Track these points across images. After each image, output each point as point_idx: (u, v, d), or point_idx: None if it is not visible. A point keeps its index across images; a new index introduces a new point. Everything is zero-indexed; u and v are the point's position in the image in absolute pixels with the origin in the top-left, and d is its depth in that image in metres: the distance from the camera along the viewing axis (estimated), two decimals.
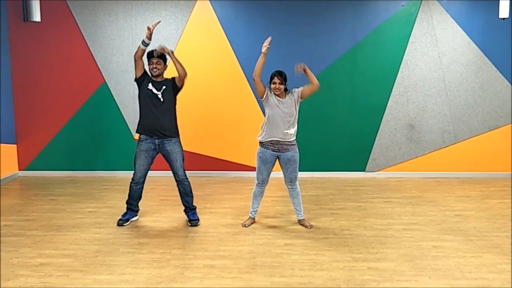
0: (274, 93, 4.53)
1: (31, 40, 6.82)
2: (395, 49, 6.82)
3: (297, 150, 4.64)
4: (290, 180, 4.69)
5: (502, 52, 6.77)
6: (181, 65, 4.59)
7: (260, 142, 4.63)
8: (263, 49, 4.43)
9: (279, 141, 4.53)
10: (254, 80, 4.50)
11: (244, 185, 6.48)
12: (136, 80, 4.73)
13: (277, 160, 4.64)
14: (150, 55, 4.63)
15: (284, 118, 4.49)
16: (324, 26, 6.77)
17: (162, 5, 6.76)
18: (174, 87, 4.69)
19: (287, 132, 4.51)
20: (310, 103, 6.66)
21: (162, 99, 4.62)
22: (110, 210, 5.29)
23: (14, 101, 6.94)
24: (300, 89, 4.63)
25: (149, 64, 4.64)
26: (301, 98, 4.61)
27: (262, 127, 4.63)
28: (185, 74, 4.62)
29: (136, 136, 4.88)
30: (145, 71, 4.73)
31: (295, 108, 4.56)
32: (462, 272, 3.68)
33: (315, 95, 6.75)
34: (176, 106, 4.80)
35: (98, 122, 7.01)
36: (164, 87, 4.65)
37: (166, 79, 4.73)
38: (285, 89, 4.58)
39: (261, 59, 4.47)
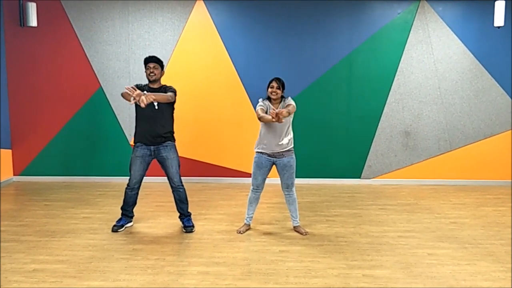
0: (272, 98, 4.52)
1: (27, 45, 6.82)
2: (391, 56, 6.85)
3: (294, 156, 4.63)
4: (287, 186, 4.68)
5: (497, 60, 6.81)
6: (163, 97, 4.44)
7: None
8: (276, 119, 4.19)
9: (274, 150, 4.54)
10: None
11: (239, 191, 6.47)
12: None
13: (274, 166, 4.64)
14: (147, 60, 4.62)
15: (276, 125, 4.47)
16: (321, 33, 6.80)
17: (159, 11, 6.78)
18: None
19: (281, 143, 4.51)
20: (306, 109, 6.69)
21: (157, 107, 4.58)
22: (104, 216, 5.27)
23: (9, 106, 6.93)
24: (293, 105, 4.51)
25: (146, 69, 4.62)
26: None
27: (257, 140, 4.64)
28: (173, 100, 4.58)
29: (132, 141, 4.86)
30: (136, 85, 4.65)
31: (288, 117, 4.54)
32: (456, 279, 3.68)
33: (312, 101, 6.83)
34: (174, 112, 4.79)
35: (93, 127, 7.00)
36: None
37: (163, 87, 4.68)
38: (282, 97, 4.57)
39: (269, 118, 4.31)
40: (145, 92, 4.32)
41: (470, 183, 7.01)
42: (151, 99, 4.20)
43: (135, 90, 4.16)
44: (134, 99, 4.15)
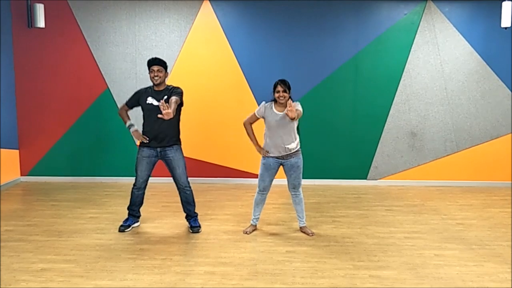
0: (280, 102, 4.50)
1: (34, 46, 6.86)
2: (398, 57, 6.84)
3: (301, 157, 4.63)
4: (294, 186, 4.68)
5: (504, 61, 6.78)
6: (174, 107, 4.39)
7: None
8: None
9: (281, 153, 4.55)
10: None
11: (245, 192, 6.48)
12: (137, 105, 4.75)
13: (281, 166, 4.64)
14: (151, 63, 4.58)
15: (281, 129, 4.47)
16: (327, 34, 6.79)
17: (165, 12, 6.80)
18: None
19: (287, 147, 4.51)
20: (312, 110, 6.69)
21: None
22: (111, 216, 5.29)
23: (17, 106, 6.97)
24: (300, 110, 4.48)
25: (150, 72, 4.59)
26: None
27: (263, 146, 4.65)
28: (180, 101, 4.58)
29: (138, 142, 4.88)
30: (137, 92, 4.70)
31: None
32: (464, 281, 3.67)
33: (318, 102, 6.83)
34: (180, 115, 4.77)
35: (100, 128, 7.02)
36: (165, 97, 4.55)
37: (168, 89, 4.65)
38: (289, 98, 4.55)
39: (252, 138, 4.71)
40: (158, 102, 4.38)
41: (476, 184, 6.99)
42: (171, 115, 4.17)
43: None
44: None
